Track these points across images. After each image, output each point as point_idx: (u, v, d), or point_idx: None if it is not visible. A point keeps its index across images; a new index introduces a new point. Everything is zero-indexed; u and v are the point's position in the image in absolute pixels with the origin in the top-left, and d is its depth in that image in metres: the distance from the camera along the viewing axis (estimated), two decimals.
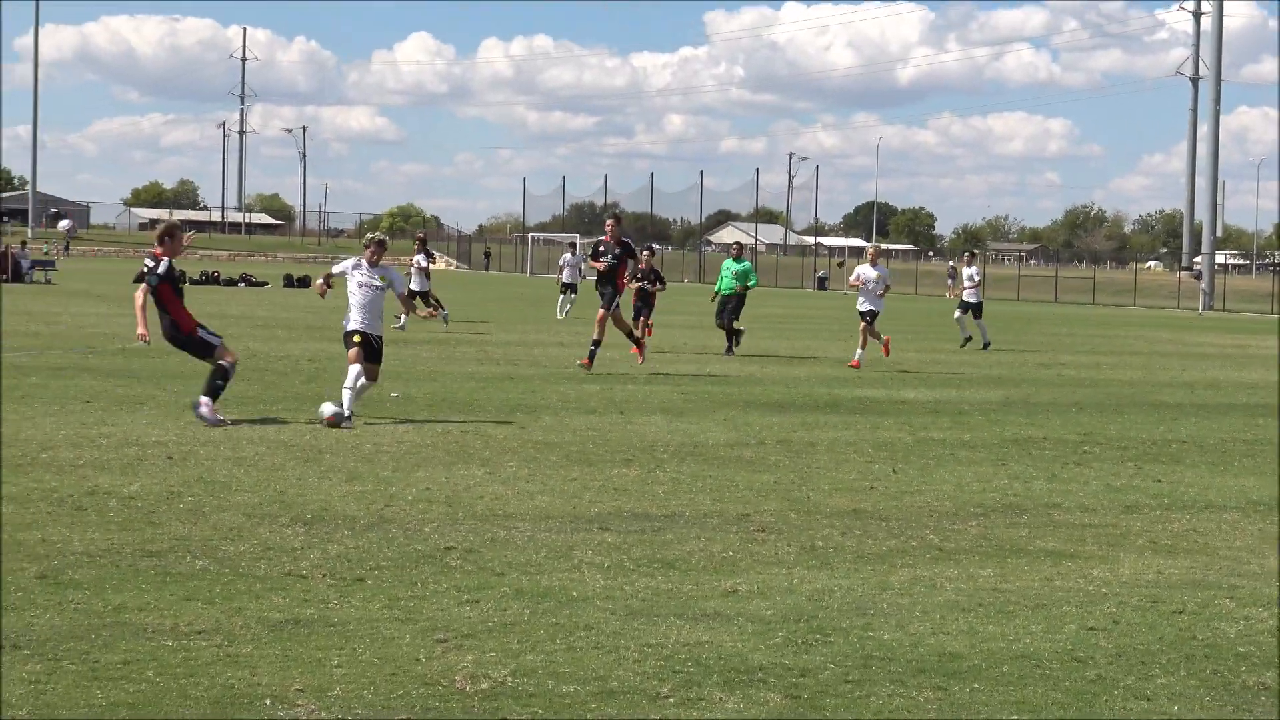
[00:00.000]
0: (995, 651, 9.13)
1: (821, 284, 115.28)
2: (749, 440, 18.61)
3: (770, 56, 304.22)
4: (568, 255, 54.32)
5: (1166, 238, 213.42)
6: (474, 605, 9.83)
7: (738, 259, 35.71)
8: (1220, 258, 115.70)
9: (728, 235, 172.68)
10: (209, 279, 75.39)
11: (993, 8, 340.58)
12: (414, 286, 40.30)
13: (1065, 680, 8.58)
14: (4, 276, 67.07)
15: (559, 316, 49.66)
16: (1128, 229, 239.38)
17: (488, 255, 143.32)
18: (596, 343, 28.21)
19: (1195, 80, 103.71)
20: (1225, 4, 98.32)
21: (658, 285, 34.40)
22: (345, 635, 8.97)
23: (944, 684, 8.39)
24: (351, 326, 19.63)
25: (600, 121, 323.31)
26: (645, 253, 35.66)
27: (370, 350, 19.48)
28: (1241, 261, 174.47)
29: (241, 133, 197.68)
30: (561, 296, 51.63)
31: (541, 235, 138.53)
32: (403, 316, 37.69)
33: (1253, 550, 12.71)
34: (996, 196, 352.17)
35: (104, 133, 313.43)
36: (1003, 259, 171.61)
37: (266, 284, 73.69)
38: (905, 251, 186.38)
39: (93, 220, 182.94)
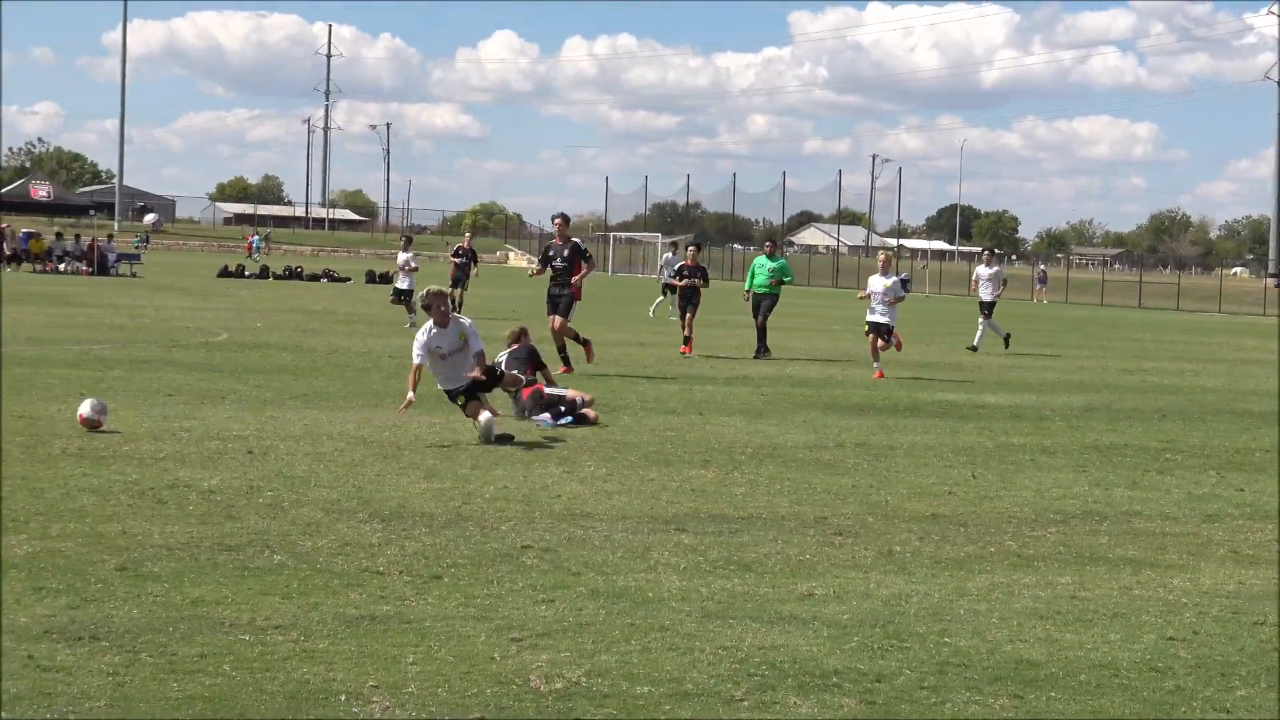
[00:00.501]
0: (1073, 660, 9.06)
1: (905, 285, 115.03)
2: (827, 443, 18.56)
3: (855, 57, 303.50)
4: (668, 255, 53.63)
5: (1253, 244, 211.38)
6: (549, 604, 9.83)
7: (771, 256, 34.13)
8: None
9: (810, 236, 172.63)
10: (292, 274, 75.85)
11: (1079, 10, 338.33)
12: (401, 286, 40.35)
13: (1143, 690, 8.51)
14: (90, 269, 67.67)
15: (650, 314, 49.75)
16: (1213, 234, 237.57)
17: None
18: (561, 348, 26.70)
19: None
20: None
21: (701, 282, 33.76)
22: (421, 632, 9.00)
23: (1020, 692, 8.34)
24: (450, 387, 18.01)
25: (683, 121, 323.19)
26: (691, 249, 35.49)
27: (484, 388, 18.10)
28: None
29: (326, 129, 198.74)
30: (661, 298, 50.64)
31: (624, 234, 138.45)
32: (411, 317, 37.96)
33: None
34: (1081, 200, 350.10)
35: (190, 127, 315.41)
36: (1086, 263, 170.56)
37: (349, 280, 74.02)
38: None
39: (178, 214, 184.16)
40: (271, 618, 9.16)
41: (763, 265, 33.88)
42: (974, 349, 39.00)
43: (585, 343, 26.85)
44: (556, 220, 27.34)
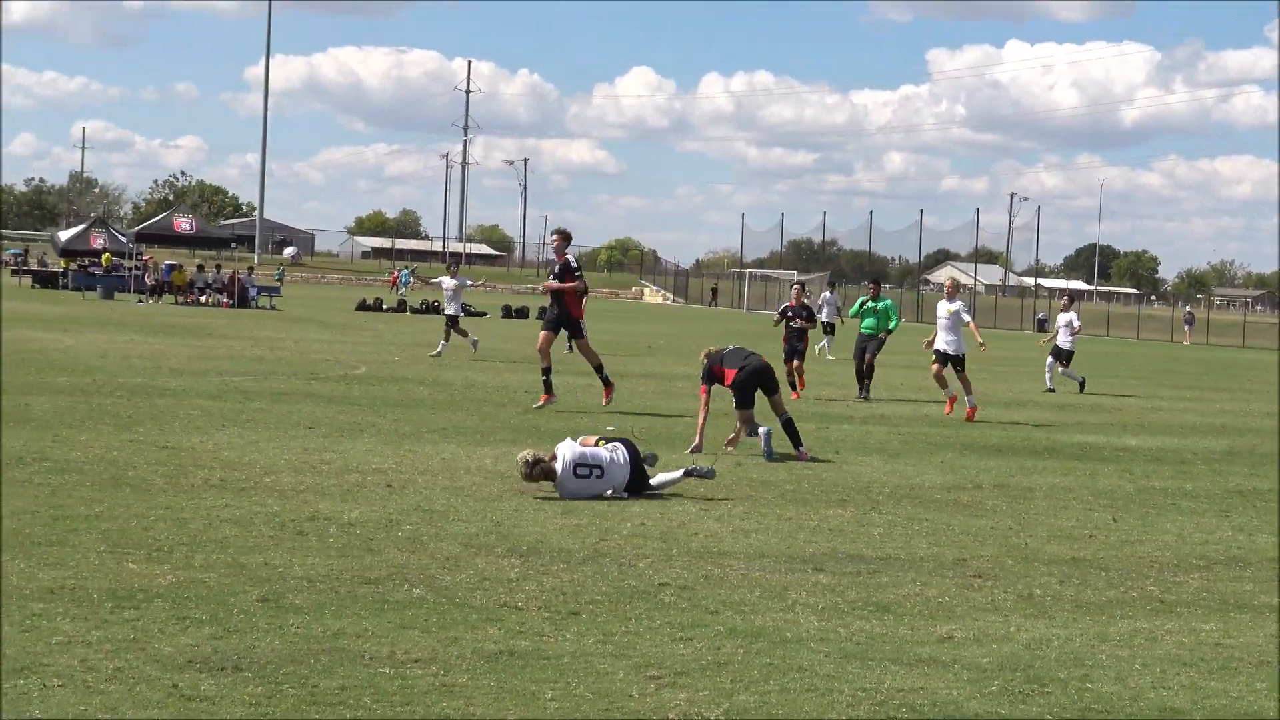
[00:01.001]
0: (1218, 709, 8.94)
1: (1041, 326, 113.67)
2: (965, 484, 18.44)
3: (993, 95, 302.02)
4: (827, 294, 52.38)
5: None
6: (687, 642, 9.82)
7: (876, 298, 32.92)
8: None
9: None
10: (429, 308, 76.31)
11: (1221, 49, 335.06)
12: (448, 311, 40.45)
13: None
14: (231, 301, 68.45)
15: (815, 353, 49.66)
16: None
17: (715, 291, 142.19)
18: (546, 370, 25.62)
19: None
20: None
21: (809, 323, 32.04)
22: (559, 668, 9.02)
23: None
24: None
25: (820, 158, 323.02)
26: (795, 288, 33.72)
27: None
28: None
29: (464, 164, 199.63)
30: (826, 337, 49.10)
31: (759, 271, 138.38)
32: (440, 344, 38.64)
33: None
34: (1222, 241, 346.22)
35: (330, 162, 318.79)
36: (1228, 304, 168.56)
37: (485, 314, 74.41)
38: (1128, 295, 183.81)
39: (317, 247, 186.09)
40: (411, 651, 9.22)
41: (869, 309, 32.87)
42: (1051, 390, 38.06)
43: (607, 384, 26.20)
44: (554, 237, 26.74)
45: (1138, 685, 9.38)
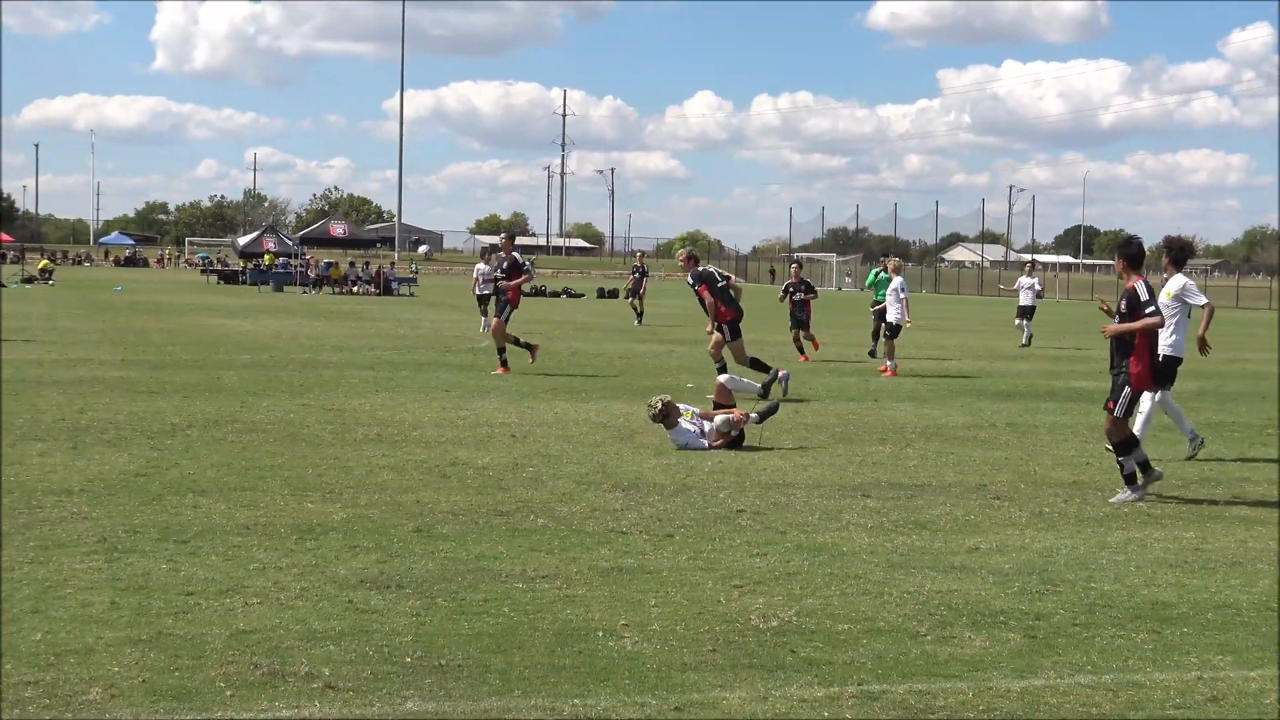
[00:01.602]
0: (1200, 601, 8.86)
1: (1038, 295, 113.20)
2: (983, 423, 18.31)
3: (993, 106, 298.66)
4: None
5: None
6: (762, 557, 9.80)
7: (887, 270, 29.70)
8: None
9: (958, 254, 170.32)
10: (538, 292, 76.43)
11: (1181, 62, 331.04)
12: (482, 293, 38.19)
13: (1262, 626, 8.31)
14: (377, 290, 68.69)
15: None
16: None
17: (773, 272, 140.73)
18: (500, 349, 24.68)
19: None
20: None
21: (810, 294, 29.92)
22: (660, 580, 9.01)
23: (1157, 628, 8.17)
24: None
25: (851, 161, 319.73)
26: (794, 266, 32.23)
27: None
28: None
29: (563, 174, 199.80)
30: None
31: (804, 255, 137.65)
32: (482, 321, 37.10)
33: None
34: (1184, 220, 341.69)
35: (453, 175, 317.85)
36: (1191, 271, 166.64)
37: (583, 295, 74.41)
38: (1108, 266, 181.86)
39: (444, 245, 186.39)
40: (539, 569, 9.23)
41: (886, 281, 29.83)
42: (1026, 345, 36.46)
43: (530, 347, 25.52)
44: (503, 238, 25.75)
45: (1133, 584, 9.30)
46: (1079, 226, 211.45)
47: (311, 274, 73.67)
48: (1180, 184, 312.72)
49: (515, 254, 25.21)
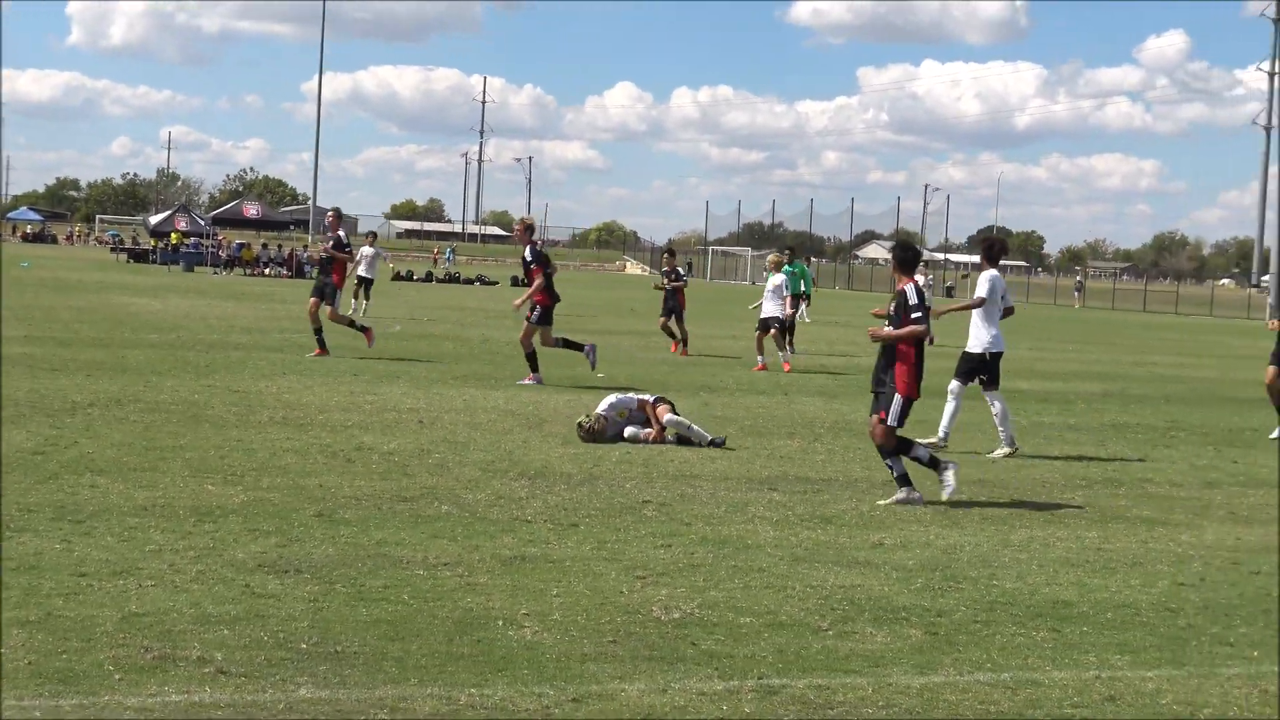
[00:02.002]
0: (1100, 601, 8.89)
1: (949, 293, 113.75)
2: None
3: (911, 105, 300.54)
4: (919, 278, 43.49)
5: (1239, 259, 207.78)
6: (667, 549, 9.74)
7: (791, 263, 29.32)
8: None
9: (872, 251, 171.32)
10: (451, 278, 76.09)
11: (1097, 66, 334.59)
12: (362, 274, 37.91)
13: (1160, 626, 8.34)
14: (289, 273, 68.11)
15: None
16: (1206, 252, 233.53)
17: (690, 265, 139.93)
18: (318, 330, 24.07)
19: (1268, 129, 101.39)
20: None
21: (679, 283, 29.03)
22: (562, 570, 8.93)
23: (1057, 626, 8.19)
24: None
25: (769, 156, 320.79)
26: (666, 255, 31.51)
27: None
28: None
29: (480, 161, 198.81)
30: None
31: (720, 248, 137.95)
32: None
33: None
34: (1096, 223, 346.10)
35: (370, 159, 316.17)
36: (1099, 275, 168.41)
37: (497, 283, 74.13)
38: (1019, 267, 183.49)
39: (360, 229, 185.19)
40: (440, 556, 9.13)
41: (799, 276, 30.30)
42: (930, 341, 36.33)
43: (365, 330, 24.82)
44: (329, 216, 25.31)
45: (1034, 582, 9.32)
46: (992, 227, 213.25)
47: (223, 254, 72.99)
48: (1093, 187, 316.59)
49: (340, 233, 24.87)
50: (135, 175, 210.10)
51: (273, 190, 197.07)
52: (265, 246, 78.99)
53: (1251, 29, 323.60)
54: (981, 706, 6.69)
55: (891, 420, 12.25)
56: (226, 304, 39.01)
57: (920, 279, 34.09)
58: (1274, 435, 18.05)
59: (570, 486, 12.01)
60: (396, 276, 75.63)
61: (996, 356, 16.05)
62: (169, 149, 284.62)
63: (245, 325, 30.30)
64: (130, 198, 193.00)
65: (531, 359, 20.68)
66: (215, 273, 67.82)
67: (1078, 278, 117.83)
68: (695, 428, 15.11)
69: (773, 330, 25.95)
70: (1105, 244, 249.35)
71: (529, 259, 21.00)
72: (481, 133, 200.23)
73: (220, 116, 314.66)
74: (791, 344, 28.83)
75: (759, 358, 25.69)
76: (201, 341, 25.16)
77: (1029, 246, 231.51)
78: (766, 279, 28.07)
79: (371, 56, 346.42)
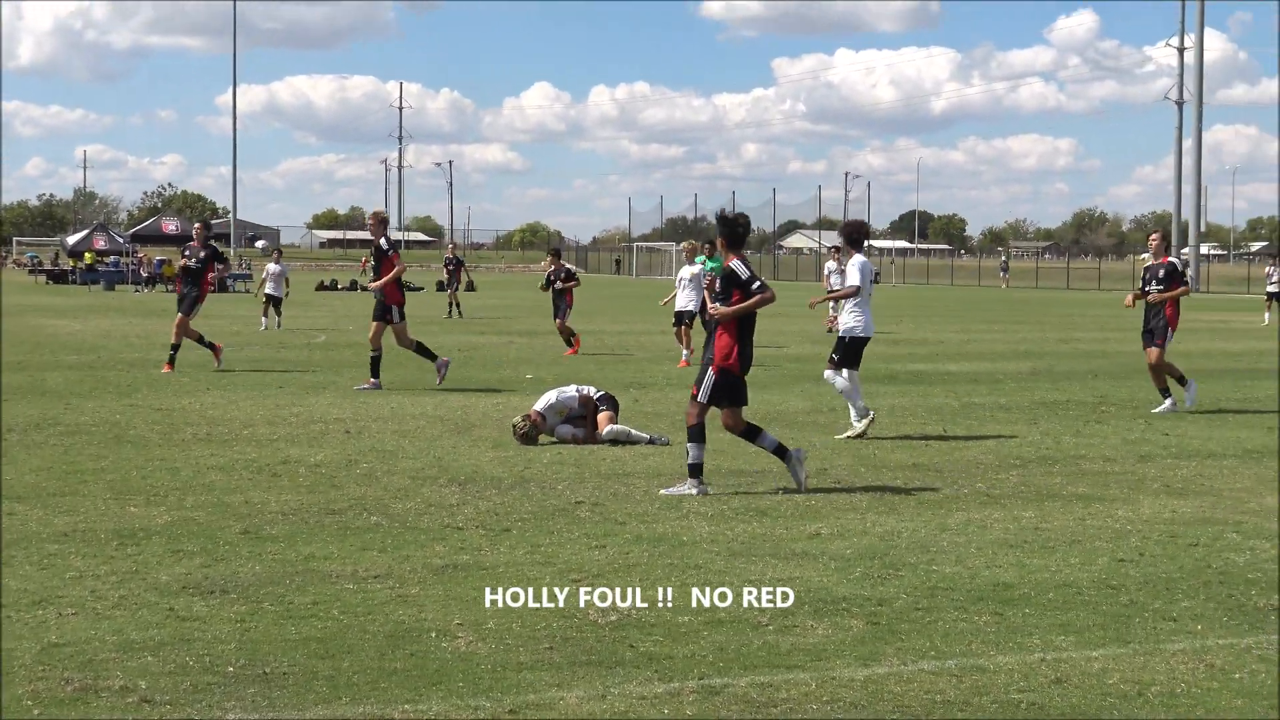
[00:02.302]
0: (1041, 581, 8.79)
1: (875, 278, 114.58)
2: (822, 408, 18.29)
3: (827, 94, 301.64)
4: (831, 264, 41.90)
5: None
6: (601, 549, 9.57)
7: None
8: (1203, 249, 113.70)
9: (796, 241, 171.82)
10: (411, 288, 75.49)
11: (1009, 49, 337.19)
12: (271, 292, 37.54)
13: (1102, 605, 8.24)
14: (212, 288, 67.39)
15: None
16: (1125, 228, 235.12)
17: (619, 263, 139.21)
18: (174, 347, 23.30)
19: (1180, 104, 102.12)
20: (1205, 39, 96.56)
21: (568, 282, 28.35)
22: (496, 577, 8.74)
23: (1000, 610, 8.08)
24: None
25: (689, 150, 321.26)
26: (551, 254, 30.50)
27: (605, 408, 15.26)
28: (1220, 252, 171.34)
29: (400, 167, 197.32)
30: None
31: (644, 244, 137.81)
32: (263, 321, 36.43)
33: (1251, 491, 12.28)
34: (1015, 204, 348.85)
35: (289, 170, 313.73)
36: (1022, 254, 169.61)
37: (422, 289, 73.69)
38: (942, 250, 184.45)
39: (282, 241, 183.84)
40: (371, 569, 8.92)
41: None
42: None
43: (213, 347, 23.64)
44: (197, 226, 24.76)
45: (974, 565, 9.22)
46: (913, 212, 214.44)
47: (144, 272, 72.17)
48: (1010, 168, 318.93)
49: (212, 244, 24.31)
50: (51, 196, 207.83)
51: (191, 205, 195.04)
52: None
53: (1159, 6, 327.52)
54: (927, 696, 6.57)
55: (701, 396, 12.00)
56: (148, 321, 38.52)
57: (833, 265, 32.82)
58: (1158, 409, 18.07)
59: (501, 491, 11.82)
60: (321, 286, 75.07)
61: (859, 341, 15.86)
62: (84, 168, 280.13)
63: (167, 342, 29.80)
64: (48, 218, 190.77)
65: (423, 350, 21.09)
66: (137, 290, 67.09)
67: (1003, 258, 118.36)
68: (634, 432, 14.94)
69: (686, 326, 25.40)
70: (1026, 224, 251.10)
71: (386, 248, 20.61)
72: (400, 139, 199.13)
73: (134, 133, 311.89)
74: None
75: (684, 352, 25.39)
76: (123, 360, 24.79)
77: (951, 229, 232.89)
78: (677, 271, 27.37)
79: (285, 67, 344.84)
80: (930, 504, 11.48)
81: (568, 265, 29.40)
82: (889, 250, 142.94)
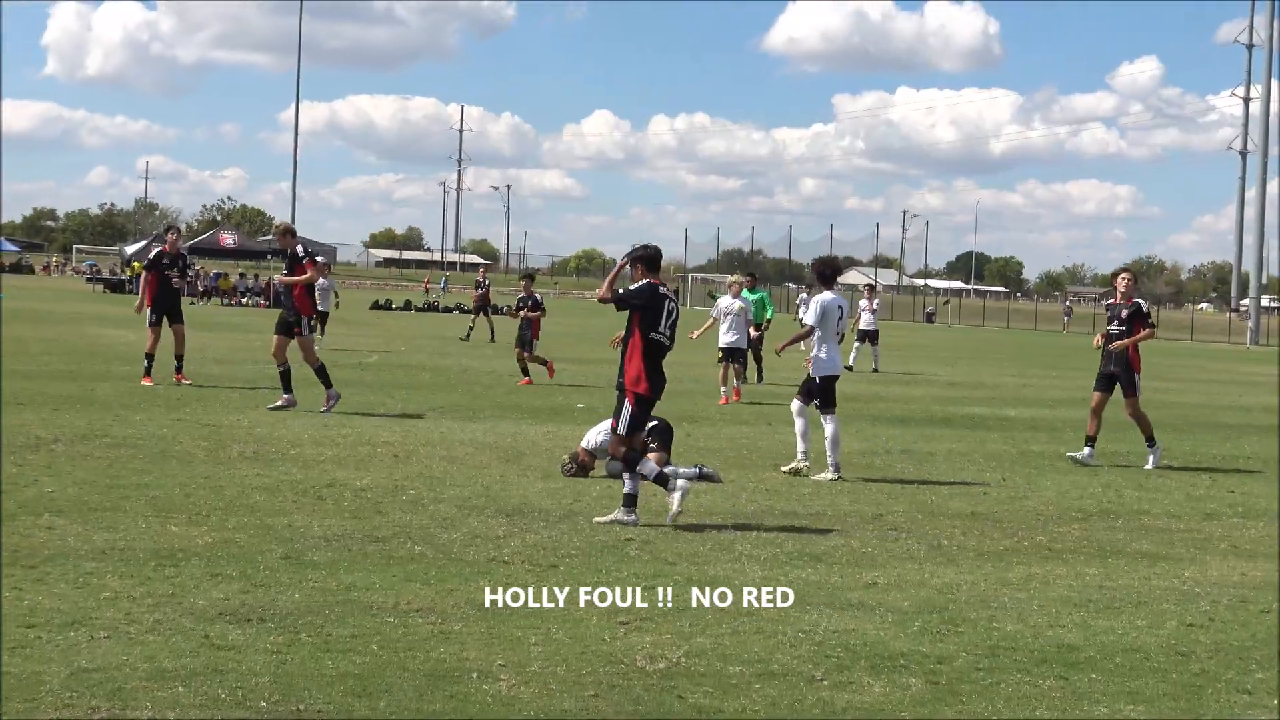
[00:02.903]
0: (1107, 644, 8.44)
1: (929, 318, 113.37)
2: (877, 450, 17.94)
3: (887, 131, 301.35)
4: (863, 302, 38.53)
5: (1216, 284, 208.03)
6: (650, 590, 9.27)
7: (751, 289, 28.58)
8: (1264, 301, 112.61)
9: (851, 278, 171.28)
10: (430, 307, 75.59)
11: (1071, 93, 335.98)
12: (321, 308, 35.52)
13: (1172, 673, 7.88)
14: (267, 303, 67.53)
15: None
16: (1183, 276, 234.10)
17: (676, 292, 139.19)
18: (149, 356, 22.82)
19: (1244, 154, 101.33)
20: (1274, 90, 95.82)
21: (538, 312, 27.66)
22: (541, 616, 8.46)
23: (1065, 674, 7.73)
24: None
25: (746, 183, 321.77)
26: (524, 280, 29.31)
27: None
28: None
29: (459, 189, 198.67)
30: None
31: (699, 275, 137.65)
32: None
33: None
34: (1073, 248, 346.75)
35: (348, 189, 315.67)
36: (1080, 299, 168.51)
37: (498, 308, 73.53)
38: (998, 293, 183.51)
39: (339, 258, 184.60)
40: (413, 602, 8.65)
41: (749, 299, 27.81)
42: (876, 370, 35.60)
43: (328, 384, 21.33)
44: (170, 234, 24.30)
45: (1037, 624, 8.88)
46: (970, 253, 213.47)
47: (200, 284, 72.39)
48: (1070, 213, 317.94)
49: (182, 253, 24.13)
50: (113, 205, 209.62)
51: (250, 220, 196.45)
52: (243, 276, 78.41)
53: (1224, 55, 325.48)
54: None
55: (620, 428, 11.97)
56: (201, 334, 38.39)
57: (864, 303, 32.29)
58: (1074, 455, 17.64)
59: (549, 524, 11.54)
60: (375, 305, 75.13)
61: (828, 380, 15.53)
62: (146, 179, 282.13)
63: (218, 356, 29.79)
64: (108, 228, 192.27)
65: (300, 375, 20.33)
66: (192, 302, 67.26)
67: (1066, 302, 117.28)
68: (681, 470, 14.56)
69: (735, 365, 24.91)
70: (1083, 269, 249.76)
71: (301, 255, 20.04)
72: (460, 161, 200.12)
73: (197, 146, 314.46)
74: (761, 373, 28.50)
75: (722, 389, 24.68)
76: (173, 373, 24.60)
77: (1008, 272, 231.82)
78: (716, 303, 26.78)
79: (348, 86, 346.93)
80: (990, 556, 11.13)
81: (536, 294, 28.20)
82: (944, 290, 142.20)
